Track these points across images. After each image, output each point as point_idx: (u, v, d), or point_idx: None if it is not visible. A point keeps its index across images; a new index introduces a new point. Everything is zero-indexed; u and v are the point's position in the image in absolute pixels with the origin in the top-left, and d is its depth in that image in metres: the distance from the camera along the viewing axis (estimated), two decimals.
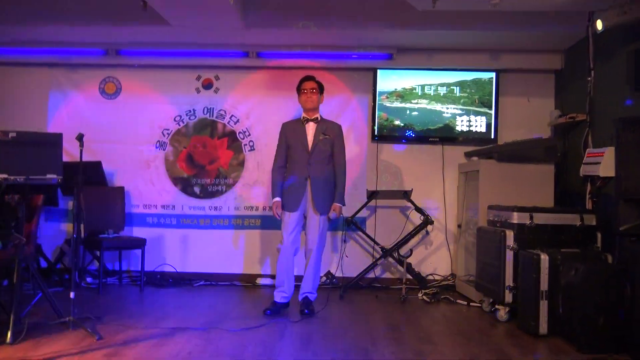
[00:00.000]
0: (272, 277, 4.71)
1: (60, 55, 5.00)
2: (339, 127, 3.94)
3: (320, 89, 3.90)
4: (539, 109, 4.92)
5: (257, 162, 5.04)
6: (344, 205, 3.85)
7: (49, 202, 4.64)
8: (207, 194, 5.06)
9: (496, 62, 4.90)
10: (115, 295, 4.35)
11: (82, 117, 5.10)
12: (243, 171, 5.06)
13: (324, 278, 4.77)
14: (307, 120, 3.86)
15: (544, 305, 3.28)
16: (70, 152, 4.84)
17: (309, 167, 3.78)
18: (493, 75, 4.93)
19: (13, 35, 4.73)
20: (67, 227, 5.03)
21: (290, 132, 3.88)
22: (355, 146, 4.99)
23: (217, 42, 4.85)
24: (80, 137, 3.28)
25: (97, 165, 4.78)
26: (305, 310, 3.73)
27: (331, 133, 3.85)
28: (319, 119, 3.89)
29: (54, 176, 3.39)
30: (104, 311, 3.66)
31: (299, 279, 3.90)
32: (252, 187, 5.04)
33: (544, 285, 3.29)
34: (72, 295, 3.17)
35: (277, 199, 3.83)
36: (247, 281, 4.89)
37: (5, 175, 3.05)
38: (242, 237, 5.03)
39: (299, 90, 3.89)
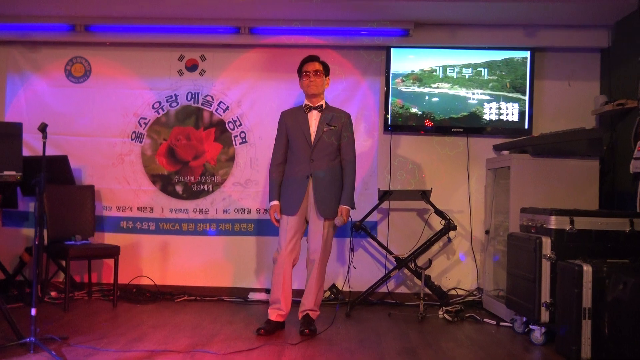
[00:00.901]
0: (267, 291, 4.72)
1: (18, 31, 5.00)
2: (348, 115, 3.93)
3: (326, 71, 3.90)
4: (581, 94, 4.92)
5: (249, 157, 5.05)
6: (353, 208, 3.84)
7: (7, 204, 4.65)
8: (191, 194, 5.08)
9: (531, 39, 4.89)
10: (83, 312, 4.36)
11: (45, 104, 5.11)
12: (233, 167, 5.06)
13: (328, 293, 4.78)
14: (310, 108, 3.86)
15: (586, 326, 3.28)
16: (31, 145, 4.87)
17: (311, 163, 3.78)
18: (527, 54, 4.93)
19: None
20: (28, 232, 5.05)
21: (291, 122, 3.88)
22: (366, 138, 5.00)
23: (203, 16, 4.85)
24: (43, 128, 3.28)
25: (63, 160, 4.79)
26: (306, 330, 3.74)
27: (338, 123, 3.85)
28: (324, 106, 3.89)
29: (13, 173, 3.39)
30: (71, 331, 3.67)
31: (298, 293, 3.91)
32: (244, 187, 5.04)
33: (587, 301, 3.29)
34: (33, 312, 3.18)
35: (275, 202, 3.83)
36: (238, 296, 4.90)
37: None
38: (232, 244, 5.03)
39: (300, 72, 3.89)
